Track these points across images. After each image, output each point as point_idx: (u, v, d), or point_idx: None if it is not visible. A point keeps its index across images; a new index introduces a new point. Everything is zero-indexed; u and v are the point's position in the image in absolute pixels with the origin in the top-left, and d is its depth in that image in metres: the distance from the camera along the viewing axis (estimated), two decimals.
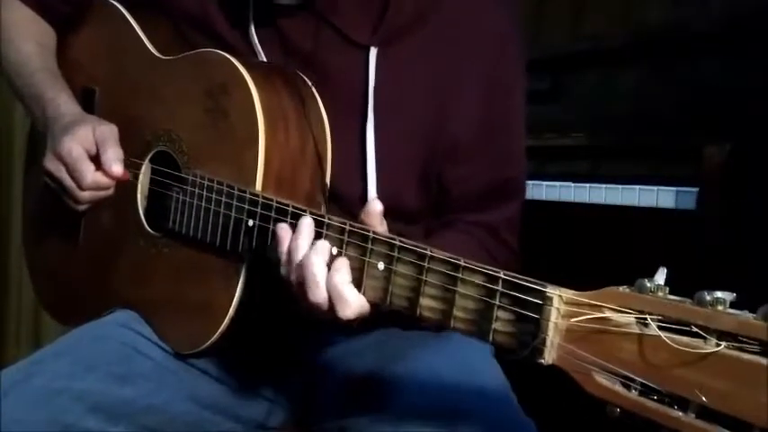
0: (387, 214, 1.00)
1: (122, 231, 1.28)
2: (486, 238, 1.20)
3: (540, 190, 1.82)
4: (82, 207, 1.25)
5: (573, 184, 1.77)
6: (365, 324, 1.01)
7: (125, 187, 1.25)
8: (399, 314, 0.99)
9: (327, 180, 1.17)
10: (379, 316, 1.02)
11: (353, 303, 0.94)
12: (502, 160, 1.23)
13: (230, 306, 1.10)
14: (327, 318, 0.97)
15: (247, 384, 1.23)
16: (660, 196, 1.58)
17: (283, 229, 1.00)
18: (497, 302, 0.81)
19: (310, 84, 1.19)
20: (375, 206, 0.97)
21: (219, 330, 1.12)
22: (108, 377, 1.12)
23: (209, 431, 1.19)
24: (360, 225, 0.95)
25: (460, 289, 0.84)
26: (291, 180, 1.12)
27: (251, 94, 1.10)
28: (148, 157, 1.25)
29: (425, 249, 0.88)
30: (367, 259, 0.93)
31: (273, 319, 1.17)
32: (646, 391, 0.71)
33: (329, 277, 0.94)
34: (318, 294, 0.95)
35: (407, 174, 1.20)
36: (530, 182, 1.82)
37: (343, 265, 0.94)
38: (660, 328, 0.69)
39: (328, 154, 1.17)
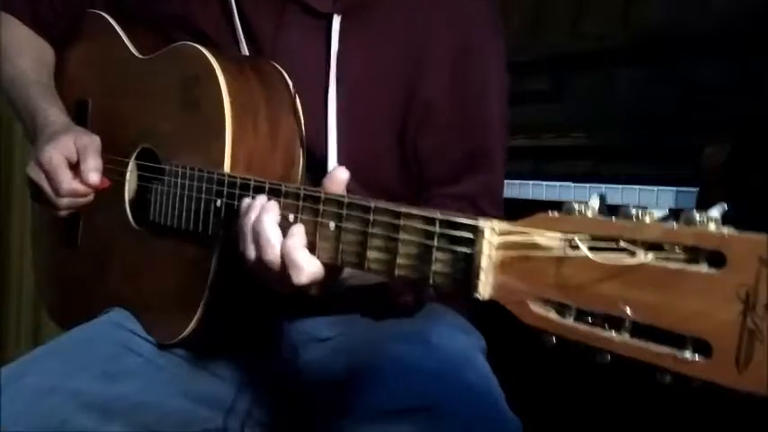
0: (363, 187, 0.99)
1: (113, 231, 1.29)
2: (463, 208, 1.18)
3: (539, 190, 1.82)
4: (62, 213, 1.27)
5: (573, 184, 1.77)
6: (327, 293, 1.00)
7: (116, 188, 1.27)
8: (369, 295, 1.01)
9: (301, 167, 1.18)
10: (341, 291, 1.02)
11: (306, 268, 0.92)
12: (476, 127, 1.22)
13: (204, 291, 1.11)
14: (284, 286, 0.96)
15: (239, 377, 1.23)
16: (660, 196, 1.58)
17: (243, 203, 0.99)
18: (435, 244, 0.80)
19: (283, 72, 1.19)
20: (339, 174, 0.96)
21: (196, 317, 1.12)
22: (101, 375, 1.13)
23: (203, 428, 1.19)
24: (313, 188, 0.94)
25: (402, 236, 0.83)
26: (261, 167, 1.13)
27: (219, 85, 1.11)
28: (134, 155, 1.27)
29: (369, 202, 0.87)
30: (319, 220, 0.92)
31: (251, 307, 1.17)
32: (581, 315, 0.68)
33: (283, 243, 0.93)
34: (271, 252, 0.94)
35: (378, 145, 1.20)
36: (530, 182, 1.83)
37: (297, 231, 0.93)
38: (590, 249, 0.67)
39: (302, 142, 1.18)
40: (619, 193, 1.66)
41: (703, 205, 0.66)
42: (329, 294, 1.00)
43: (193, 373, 1.20)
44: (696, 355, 0.61)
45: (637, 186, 1.63)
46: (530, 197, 1.82)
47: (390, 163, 1.21)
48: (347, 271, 0.98)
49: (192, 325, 1.13)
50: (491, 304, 0.75)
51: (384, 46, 1.19)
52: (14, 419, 1.06)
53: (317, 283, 0.95)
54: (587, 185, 1.74)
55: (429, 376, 1.11)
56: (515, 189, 1.82)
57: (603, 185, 1.70)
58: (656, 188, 1.58)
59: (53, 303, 1.49)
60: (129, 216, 1.27)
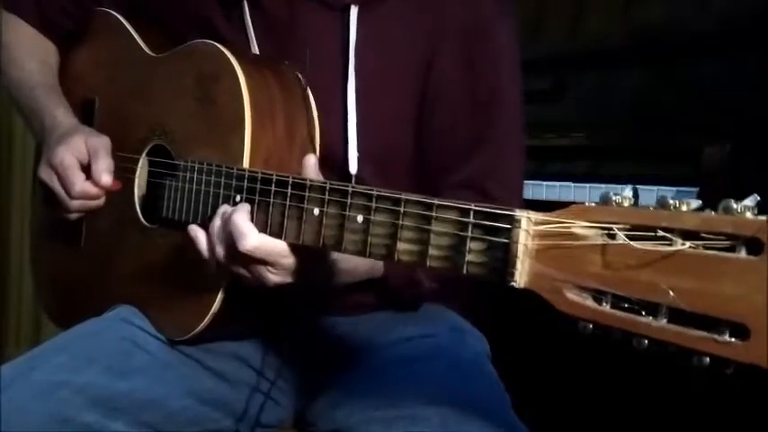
0: (378, 178, 1.02)
1: (121, 229, 1.29)
2: (471, 196, 1.18)
3: (539, 190, 1.82)
4: (73, 215, 1.28)
5: (573, 184, 1.77)
6: (323, 288, 1.05)
7: (124, 185, 1.26)
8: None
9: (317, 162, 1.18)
10: (335, 287, 1.07)
11: (248, 233, 0.99)
12: (485, 104, 1.22)
13: (220, 287, 1.11)
14: (254, 281, 1.02)
15: (245, 379, 1.23)
16: (660, 196, 1.58)
17: (199, 234, 1.06)
18: (470, 234, 0.81)
19: (300, 75, 1.20)
20: (309, 160, 1.01)
21: (210, 313, 1.12)
22: (107, 371, 1.13)
23: (208, 428, 1.19)
24: (339, 183, 0.96)
25: (435, 227, 0.85)
26: (278, 164, 1.13)
27: (238, 81, 1.12)
28: (144, 152, 1.26)
29: (400, 194, 0.88)
30: (347, 213, 0.93)
31: (265, 304, 1.17)
32: (617, 302, 0.70)
33: (228, 216, 1.01)
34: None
35: (395, 133, 1.21)
36: (530, 182, 1.83)
37: (242, 207, 1.01)
38: (627, 237, 0.69)
39: (317, 137, 1.18)
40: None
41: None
42: (326, 289, 1.03)
43: (200, 373, 1.20)
44: (734, 338, 0.63)
45: (637, 186, 1.62)
46: (530, 197, 1.81)
47: (406, 155, 1.22)
48: (334, 256, 1.01)
49: (207, 319, 1.13)
50: (525, 293, 0.76)
51: (399, 36, 1.19)
52: (21, 415, 1.06)
53: (293, 269, 0.99)
54: (587, 185, 1.74)
55: (437, 380, 1.11)
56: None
57: (603, 185, 1.70)
58: (655, 188, 1.58)
59: (54, 302, 1.48)
60: (139, 213, 1.27)
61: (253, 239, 0.98)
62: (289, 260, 1.00)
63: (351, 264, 1.08)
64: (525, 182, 1.82)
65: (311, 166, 1.01)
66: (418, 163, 1.22)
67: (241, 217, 1.00)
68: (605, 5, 1.93)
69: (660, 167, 1.63)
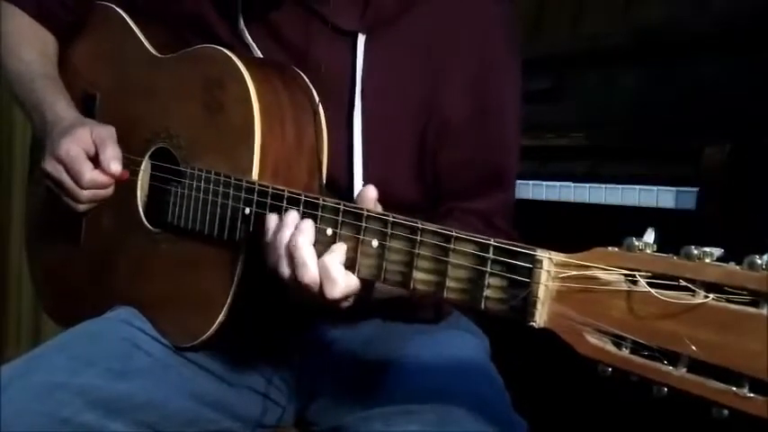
0: (381, 200, 1.00)
1: (123, 230, 1.28)
2: (479, 225, 1.19)
3: (539, 190, 1.82)
4: (82, 207, 1.25)
5: (573, 184, 1.76)
6: (353, 308, 1.01)
7: (125, 187, 1.25)
8: (392, 308, 1.01)
9: (324, 172, 1.18)
10: (368, 305, 1.03)
11: (341, 283, 0.94)
12: (494, 145, 1.23)
13: (228, 296, 1.11)
14: (316, 300, 0.97)
15: (245, 381, 1.23)
16: (660, 196, 1.58)
17: (271, 219, 1.01)
18: (489, 269, 0.82)
19: (305, 77, 1.20)
20: (369, 192, 0.97)
21: (218, 321, 1.12)
22: (107, 372, 1.12)
23: (208, 429, 1.19)
24: (354, 205, 0.95)
25: (453, 259, 0.85)
26: (287, 173, 1.13)
27: (247, 88, 1.11)
28: (148, 154, 1.26)
29: (416, 223, 0.88)
30: (361, 237, 0.93)
31: (271, 311, 1.17)
32: (637, 348, 0.71)
33: (321, 259, 0.94)
34: (307, 275, 0.95)
35: (398, 161, 1.21)
36: (530, 182, 1.83)
37: (338, 249, 0.95)
38: (649, 284, 0.70)
39: (324, 146, 1.18)
40: (619, 193, 1.66)
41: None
42: (356, 308, 1.00)
43: (200, 375, 1.20)
44: (753, 393, 0.64)
45: (637, 186, 1.62)
46: (530, 197, 1.81)
47: (409, 177, 1.22)
48: (378, 284, 0.99)
49: (214, 329, 1.12)
50: (545, 333, 0.77)
51: (407, 64, 1.19)
52: (21, 415, 1.06)
53: (347, 297, 0.96)
54: (587, 185, 1.74)
55: (437, 378, 1.11)
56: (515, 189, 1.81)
57: (603, 185, 1.70)
58: (655, 188, 1.57)
59: (53, 301, 1.47)
60: (143, 216, 1.26)
61: (341, 288, 0.94)
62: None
63: None
64: (525, 182, 1.83)
65: (370, 198, 0.97)
66: (420, 188, 1.22)
67: (336, 261, 0.94)
68: (605, 5, 1.93)
69: (660, 167, 1.63)
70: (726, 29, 1.62)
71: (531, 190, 1.82)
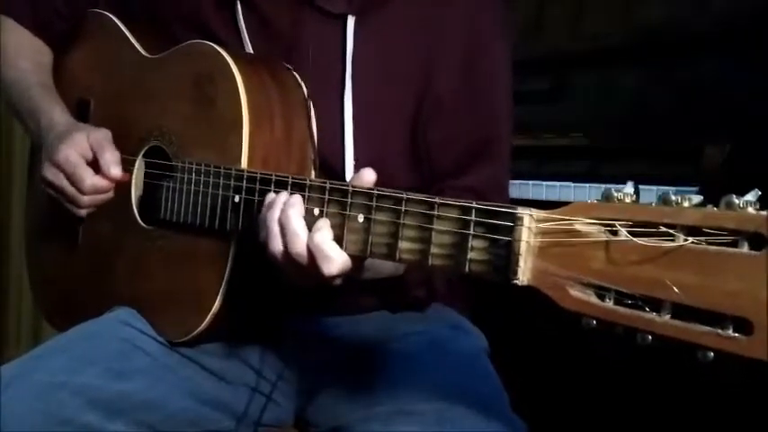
0: (376, 183, 1.00)
1: (119, 231, 1.28)
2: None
3: (539, 190, 1.82)
4: (83, 212, 1.26)
5: (573, 184, 1.77)
6: (343, 287, 1.00)
7: (120, 187, 1.26)
8: (384, 288, 1.02)
9: (314, 166, 1.18)
10: (358, 283, 1.04)
11: (337, 259, 0.93)
12: (484, 121, 1.23)
13: (220, 287, 1.11)
14: (310, 280, 0.96)
15: (244, 379, 1.23)
16: (662, 192, 1.58)
17: (265, 200, 1.01)
18: (471, 232, 0.82)
19: (296, 74, 1.20)
20: (367, 175, 0.96)
21: (212, 312, 1.12)
22: (107, 372, 1.12)
23: (208, 429, 1.19)
24: (339, 182, 0.95)
25: (437, 226, 0.85)
26: (277, 166, 1.13)
27: (236, 82, 1.11)
28: (141, 153, 1.26)
29: (401, 194, 0.89)
30: (347, 213, 0.93)
31: (265, 301, 1.17)
32: (620, 298, 0.71)
33: (311, 236, 0.94)
34: (298, 245, 0.94)
35: (391, 144, 1.21)
36: (530, 182, 1.83)
37: (324, 225, 0.94)
38: (629, 233, 0.70)
39: (314, 140, 1.18)
40: None
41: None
42: (347, 287, 1.00)
43: (200, 374, 1.20)
44: (737, 333, 0.64)
45: (638, 185, 1.62)
46: (530, 197, 1.82)
47: (403, 160, 1.22)
48: (367, 262, 0.99)
49: (208, 320, 1.12)
50: (527, 290, 0.77)
51: (397, 46, 1.20)
52: (21, 415, 1.06)
53: (342, 274, 0.96)
54: (587, 185, 1.74)
55: (436, 378, 1.11)
56: (515, 189, 1.82)
57: (603, 185, 1.70)
58: (655, 188, 1.58)
59: (50, 305, 1.47)
60: (137, 214, 1.26)
61: (338, 263, 0.94)
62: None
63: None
64: (525, 182, 1.83)
65: (369, 181, 0.95)
66: (415, 171, 1.23)
67: (327, 238, 0.94)
68: (605, 5, 1.94)
69: (660, 167, 1.63)
70: (726, 29, 1.62)
71: (530, 190, 1.82)
